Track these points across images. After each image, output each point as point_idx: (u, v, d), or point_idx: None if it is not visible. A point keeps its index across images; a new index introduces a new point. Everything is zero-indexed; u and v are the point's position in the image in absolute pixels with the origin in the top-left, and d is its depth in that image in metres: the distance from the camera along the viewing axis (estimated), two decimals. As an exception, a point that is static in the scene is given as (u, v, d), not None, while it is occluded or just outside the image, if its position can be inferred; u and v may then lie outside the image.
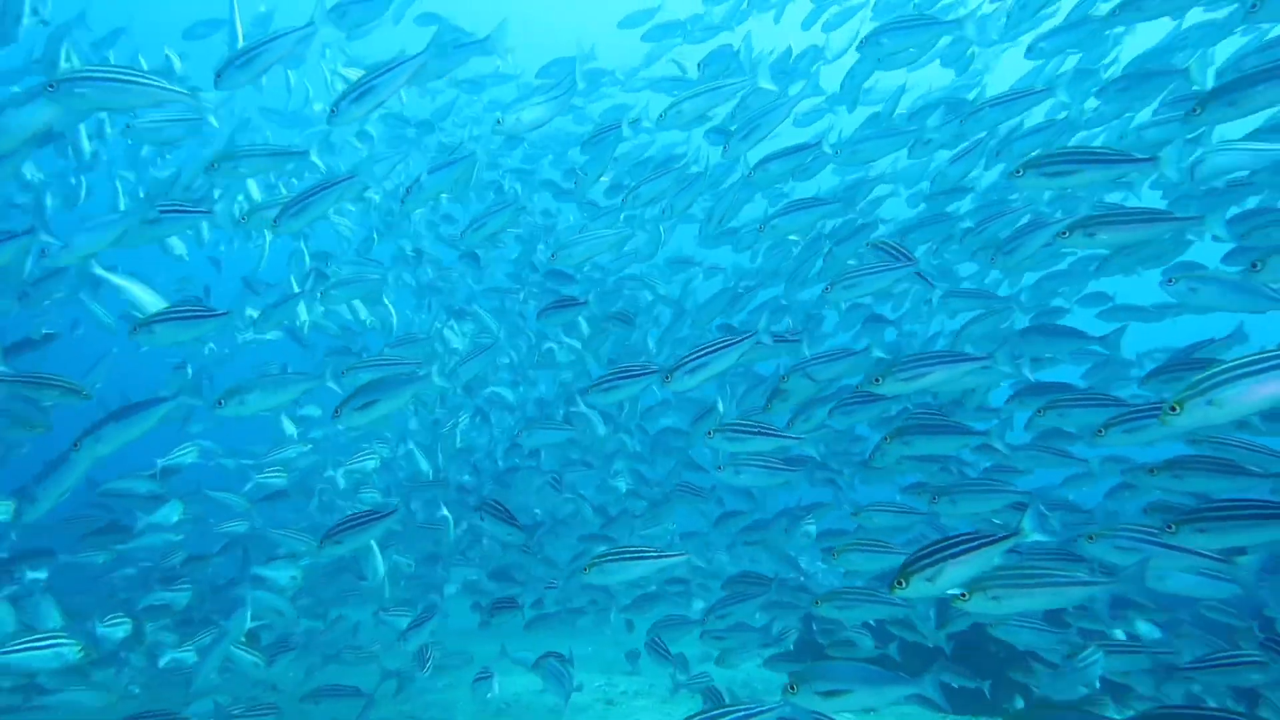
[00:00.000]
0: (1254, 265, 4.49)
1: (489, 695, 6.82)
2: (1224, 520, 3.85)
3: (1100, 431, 4.62)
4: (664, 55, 10.25)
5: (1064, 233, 4.69)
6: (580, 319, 7.22)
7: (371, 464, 8.42)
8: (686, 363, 4.67)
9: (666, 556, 4.80)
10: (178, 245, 8.38)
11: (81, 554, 7.45)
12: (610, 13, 9.78)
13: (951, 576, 3.79)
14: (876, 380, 4.93)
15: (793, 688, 3.98)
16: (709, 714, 3.81)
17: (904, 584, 3.79)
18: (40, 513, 5.01)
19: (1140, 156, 4.52)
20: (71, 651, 5.02)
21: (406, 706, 8.77)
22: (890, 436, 5.40)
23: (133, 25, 11.10)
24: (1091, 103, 6.13)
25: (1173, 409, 3.33)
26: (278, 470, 8.02)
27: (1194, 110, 4.32)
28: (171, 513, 7.33)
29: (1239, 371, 3.29)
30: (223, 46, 9.32)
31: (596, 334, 7.52)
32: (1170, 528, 3.90)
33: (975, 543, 3.84)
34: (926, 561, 3.79)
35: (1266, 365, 3.26)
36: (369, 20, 5.84)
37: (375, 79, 4.07)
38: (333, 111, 4.00)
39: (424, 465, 9.06)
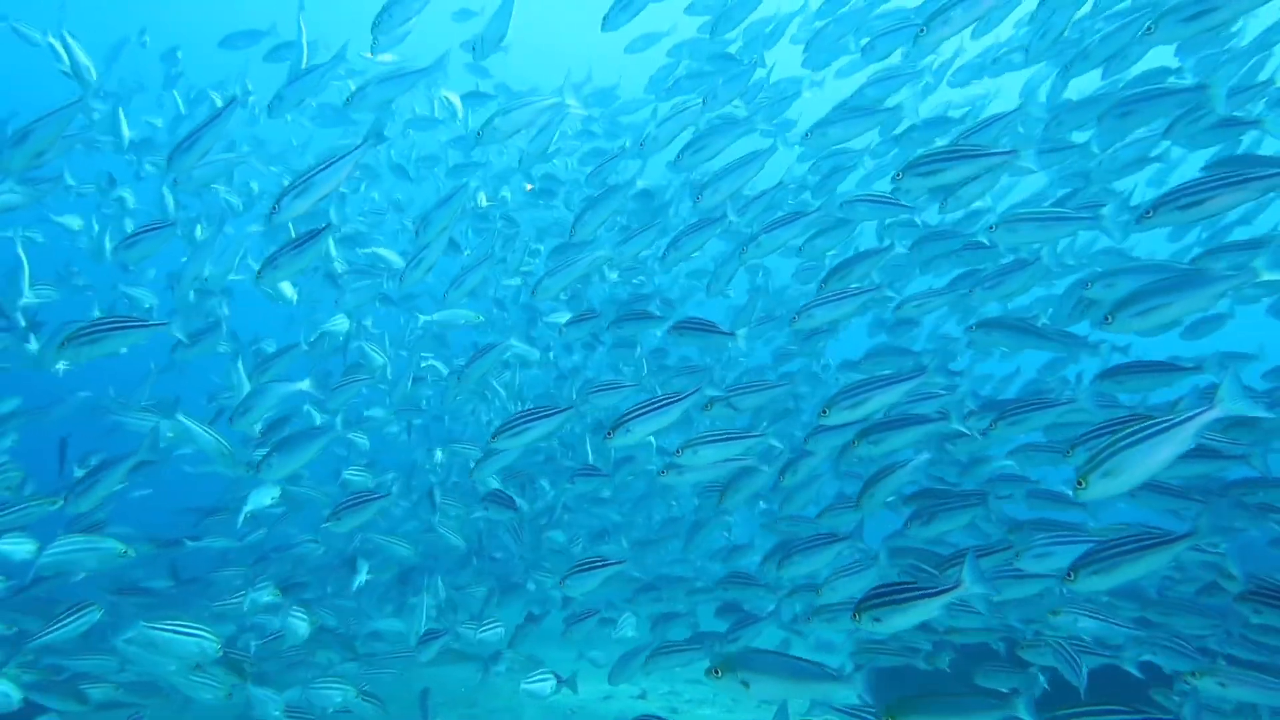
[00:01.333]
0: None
1: (546, 697, 7.35)
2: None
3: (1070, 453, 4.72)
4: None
5: (993, 226, 5.07)
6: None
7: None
8: (630, 419, 4.88)
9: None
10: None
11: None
12: (620, 35, 10.17)
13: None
14: (824, 412, 5.17)
15: (717, 672, 4.22)
16: None
17: None
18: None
19: (1004, 150, 4.88)
20: (212, 646, 5.71)
21: (474, 710, 9.63)
22: (857, 439, 5.49)
23: (165, 31, 12.12)
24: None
25: (1079, 483, 3.55)
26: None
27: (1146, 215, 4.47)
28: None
29: (1134, 438, 3.48)
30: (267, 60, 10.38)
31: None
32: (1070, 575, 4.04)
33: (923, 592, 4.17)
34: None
35: (1158, 430, 3.45)
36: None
37: (316, 175, 4.45)
38: (274, 209, 4.48)
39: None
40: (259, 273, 5.14)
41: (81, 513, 6.12)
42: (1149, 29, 4.37)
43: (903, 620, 4.14)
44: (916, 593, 4.12)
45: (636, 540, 10.15)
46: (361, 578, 8.31)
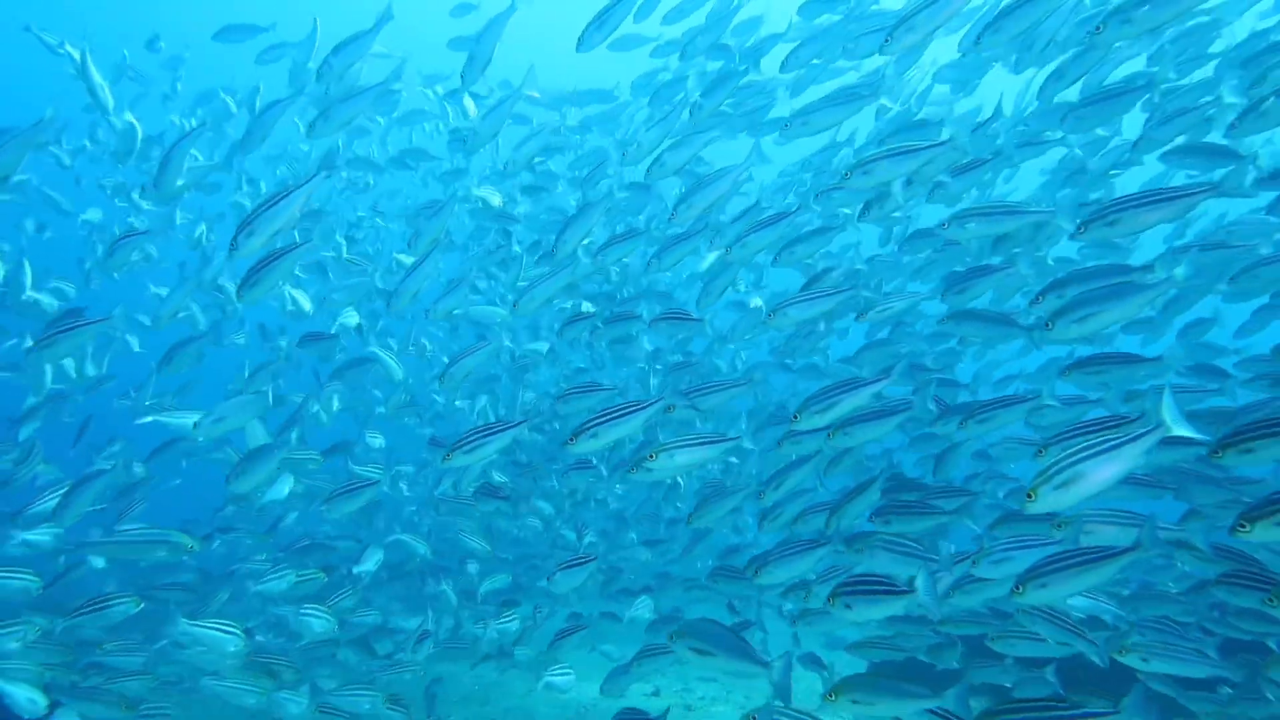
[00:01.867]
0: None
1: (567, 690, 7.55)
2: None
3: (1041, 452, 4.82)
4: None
5: (944, 224, 5.17)
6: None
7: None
8: (591, 426, 4.92)
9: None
10: None
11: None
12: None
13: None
14: (795, 418, 5.29)
15: (672, 638, 4.75)
16: None
17: None
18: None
19: (936, 141, 5.02)
20: (241, 642, 6.18)
21: (487, 708, 9.89)
22: (831, 433, 5.63)
23: (163, 26, 12.42)
24: None
25: (1029, 496, 3.71)
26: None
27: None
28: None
29: (1083, 455, 3.65)
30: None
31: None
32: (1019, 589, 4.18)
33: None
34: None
35: (1105, 449, 3.62)
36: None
37: (269, 209, 4.59)
38: (232, 247, 4.65)
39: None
40: (238, 291, 5.32)
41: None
42: (1098, 29, 4.37)
43: (871, 611, 4.55)
44: (885, 588, 4.49)
45: (646, 539, 10.33)
46: (369, 567, 8.53)
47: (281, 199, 4.67)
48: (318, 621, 7.30)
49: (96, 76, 8.48)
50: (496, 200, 9.36)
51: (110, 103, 8.61)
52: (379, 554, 8.69)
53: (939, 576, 4.46)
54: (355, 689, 6.75)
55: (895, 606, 4.48)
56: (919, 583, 4.34)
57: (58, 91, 9.89)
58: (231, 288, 8.51)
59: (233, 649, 6.26)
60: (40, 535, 6.93)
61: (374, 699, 6.64)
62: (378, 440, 9.80)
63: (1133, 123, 6.38)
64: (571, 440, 4.97)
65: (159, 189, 5.39)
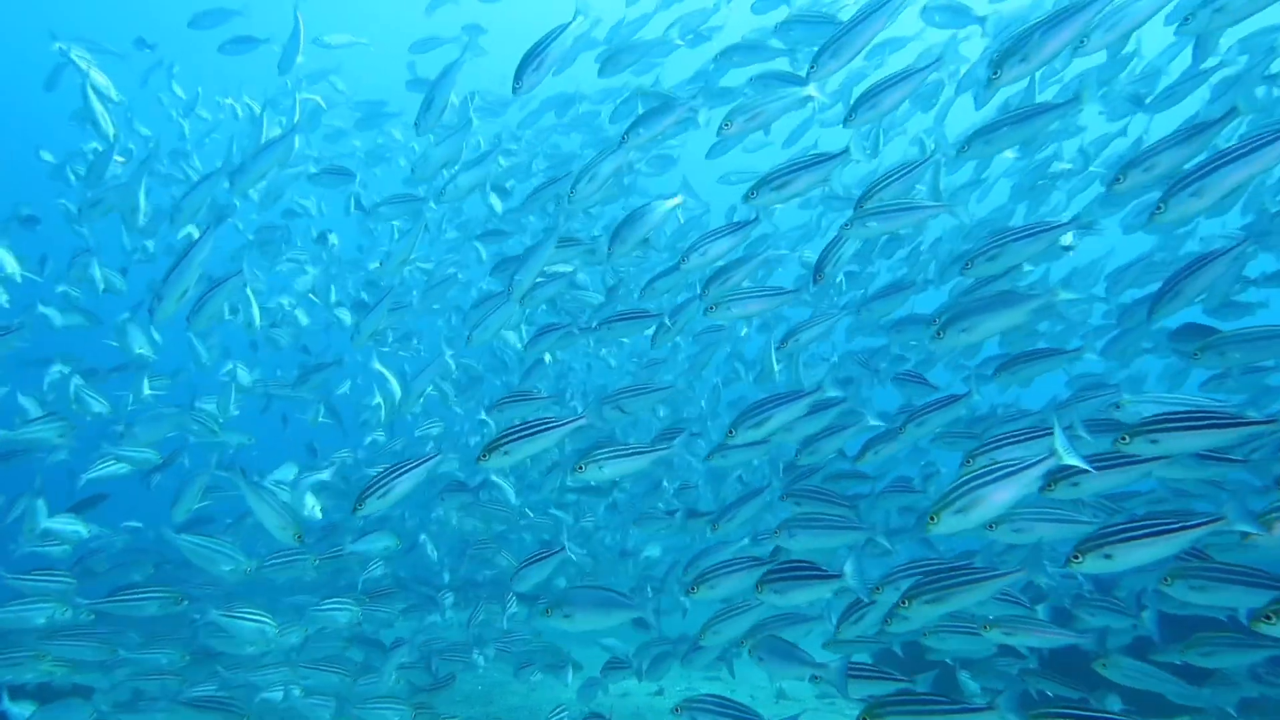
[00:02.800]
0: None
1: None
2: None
3: (969, 460, 4.89)
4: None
5: (847, 224, 5.35)
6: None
7: None
8: (507, 441, 5.02)
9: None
10: None
11: None
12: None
13: None
14: (731, 433, 5.39)
15: (548, 612, 5.18)
16: None
17: None
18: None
19: (835, 152, 5.19)
20: (271, 630, 6.60)
21: (491, 708, 10.21)
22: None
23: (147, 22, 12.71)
24: None
25: (931, 519, 3.99)
26: None
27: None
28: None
29: (980, 481, 3.91)
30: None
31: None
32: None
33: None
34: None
35: (1004, 473, 3.89)
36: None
37: (172, 275, 4.96)
38: (152, 311, 5.05)
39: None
40: (188, 319, 5.58)
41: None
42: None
43: (801, 595, 4.91)
44: (813, 574, 4.84)
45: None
46: (372, 572, 8.80)
47: (182, 262, 5.03)
48: (342, 614, 7.59)
49: (98, 105, 8.80)
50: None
51: (111, 132, 8.93)
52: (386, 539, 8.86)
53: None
54: (385, 703, 6.92)
55: (824, 590, 4.80)
56: (847, 567, 4.68)
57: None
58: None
59: (260, 636, 6.69)
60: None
61: (401, 714, 6.84)
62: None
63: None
64: (484, 456, 5.00)
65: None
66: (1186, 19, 4.32)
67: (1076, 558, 3.87)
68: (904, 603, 4.35)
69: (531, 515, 9.47)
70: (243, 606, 6.85)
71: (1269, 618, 3.66)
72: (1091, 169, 7.44)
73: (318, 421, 9.20)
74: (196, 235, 5.16)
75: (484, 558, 9.60)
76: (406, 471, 5.05)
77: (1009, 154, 7.25)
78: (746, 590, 5.18)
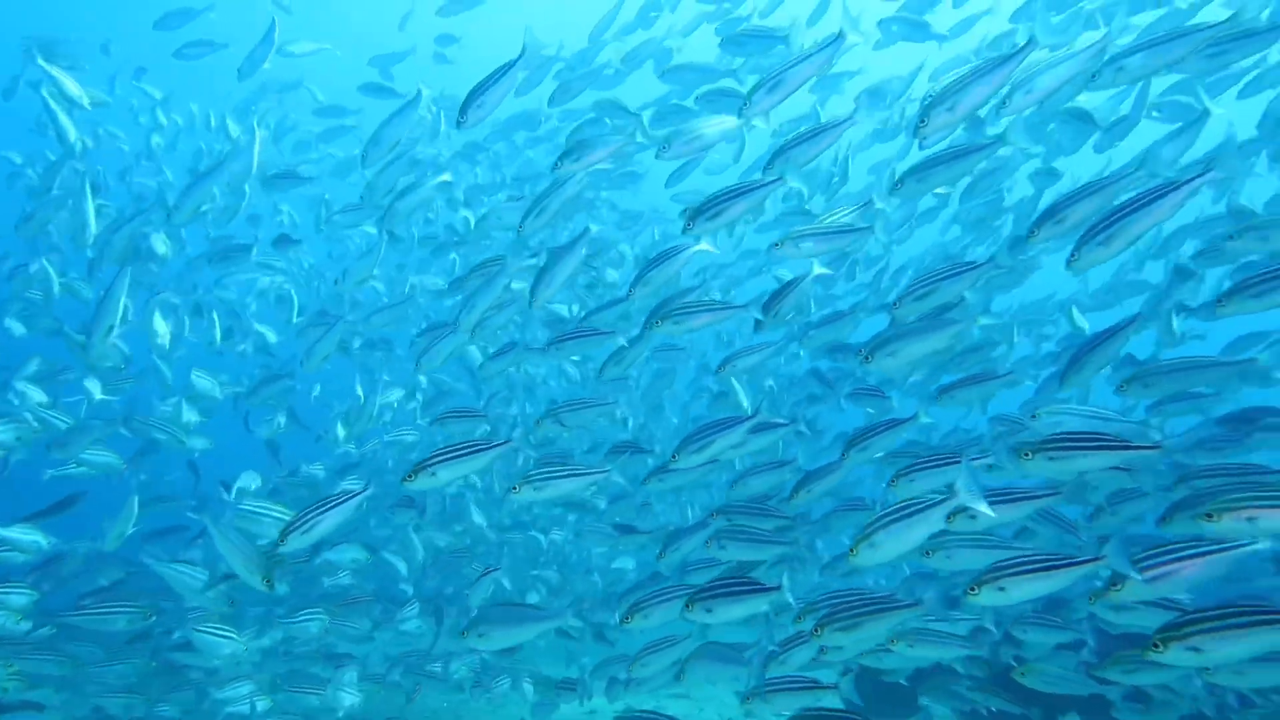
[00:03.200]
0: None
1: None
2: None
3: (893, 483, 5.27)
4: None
5: (777, 244, 5.62)
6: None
7: None
8: (434, 463, 5.05)
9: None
10: None
11: None
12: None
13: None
14: (675, 457, 5.63)
15: (464, 633, 5.37)
16: None
17: None
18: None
19: (769, 179, 5.42)
20: (240, 647, 6.65)
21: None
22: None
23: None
24: None
25: (851, 553, 4.28)
26: None
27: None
28: None
29: (890, 519, 4.23)
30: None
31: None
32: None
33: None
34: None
35: (910, 511, 4.21)
36: None
37: (98, 313, 5.30)
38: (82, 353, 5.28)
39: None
40: (85, 354, 5.78)
41: None
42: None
43: (733, 611, 5.02)
44: (746, 588, 4.99)
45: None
46: (339, 581, 8.91)
47: (103, 303, 5.37)
48: (314, 624, 7.71)
49: (62, 116, 8.89)
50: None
51: (76, 145, 9.01)
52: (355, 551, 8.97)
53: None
54: None
55: (758, 604, 4.95)
56: (785, 580, 4.87)
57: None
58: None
59: (229, 651, 6.74)
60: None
61: None
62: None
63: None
64: (410, 477, 5.04)
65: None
66: (1093, 76, 4.58)
67: (973, 590, 4.14)
68: (816, 630, 4.61)
69: (488, 533, 9.64)
70: (211, 621, 6.86)
71: (1158, 645, 3.84)
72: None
73: (279, 430, 9.29)
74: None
75: (454, 570, 9.80)
76: (332, 508, 5.05)
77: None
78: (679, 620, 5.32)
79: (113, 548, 6.91)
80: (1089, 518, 5.70)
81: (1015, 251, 5.06)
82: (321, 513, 5.04)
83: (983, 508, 4.08)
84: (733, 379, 8.27)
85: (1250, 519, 3.84)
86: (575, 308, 9.49)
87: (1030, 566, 4.09)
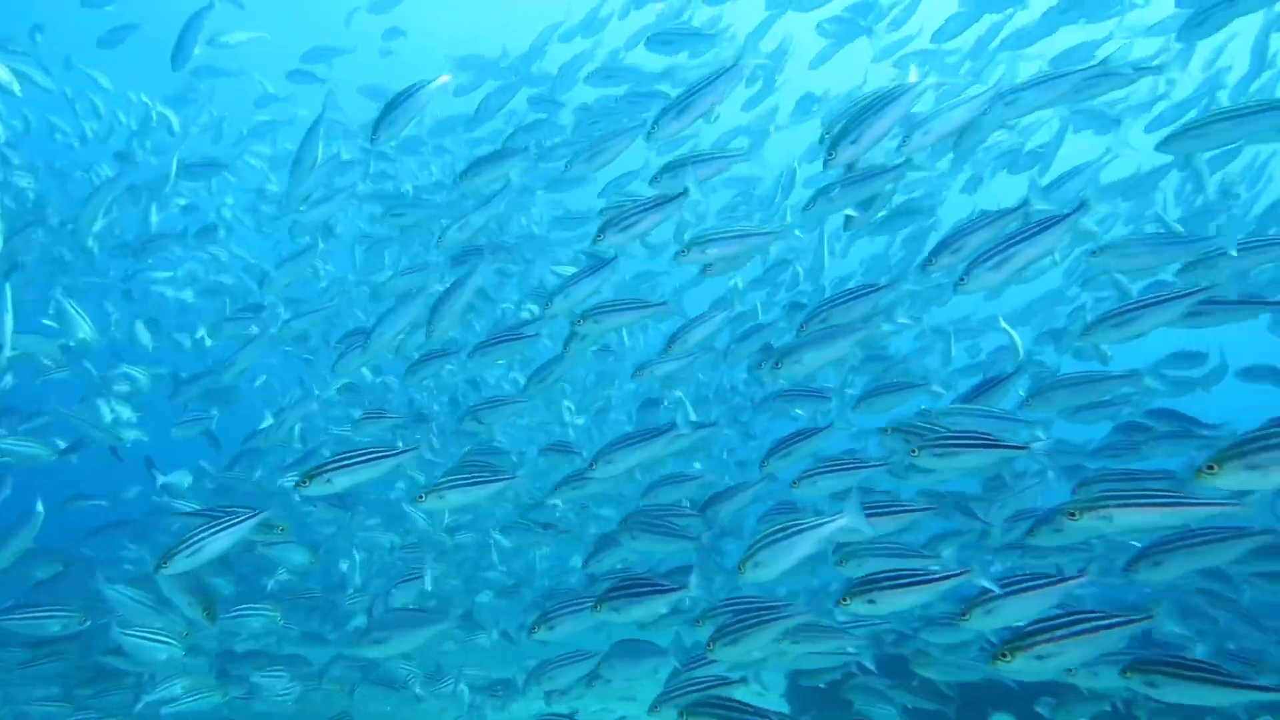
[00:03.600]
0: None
1: None
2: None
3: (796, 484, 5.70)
4: None
5: (683, 250, 5.76)
6: None
7: None
8: (330, 469, 5.04)
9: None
10: None
11: None
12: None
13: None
14: (592, 465, 5.84)
15: (360, 642, 5.65)
16: None
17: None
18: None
19: (675, 193, 5.61)
20: (176, 651, 6.39)
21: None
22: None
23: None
24: None
25: (740, 569, 4.50)
26: None
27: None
28: None
29: (773, 538, 4.45)
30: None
31: None
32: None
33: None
34: None
35: (792, 531, 4.44)
36: None
37: None
38: None
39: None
40: None
41: None
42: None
43: (638, 611, 5.17)
44: (650, 588, 5.14)
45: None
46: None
47: None
48: (257, 619, 7.54)
49: None
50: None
51: None
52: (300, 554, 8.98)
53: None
54: None
55: (661, 604, 5.09)
56: (692, 578, 5.00)
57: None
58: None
59: (164, 657, 6.58)
60: None
61: None
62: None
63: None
64: (304, 482, 4.96)
65: None
66: (984, 112, 4.92)
67: (845, 601, 4.46)
68: (710, 646, 4.84)
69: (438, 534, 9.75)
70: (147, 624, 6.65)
71: (1005, 655, 4.14)
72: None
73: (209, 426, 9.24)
74: None
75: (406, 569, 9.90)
76: (223, 530, 4.84)
77: None
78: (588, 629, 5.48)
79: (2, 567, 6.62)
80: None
81: (921, 276, 5.31)
82: (211, 535, 4.82)
83: (862, 526, 4.38)
84: (675, 389, 8.57)
85: (1105, 517, 4.24)
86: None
87: (902, 581, 4.40)
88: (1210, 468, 3.71)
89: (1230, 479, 3.68)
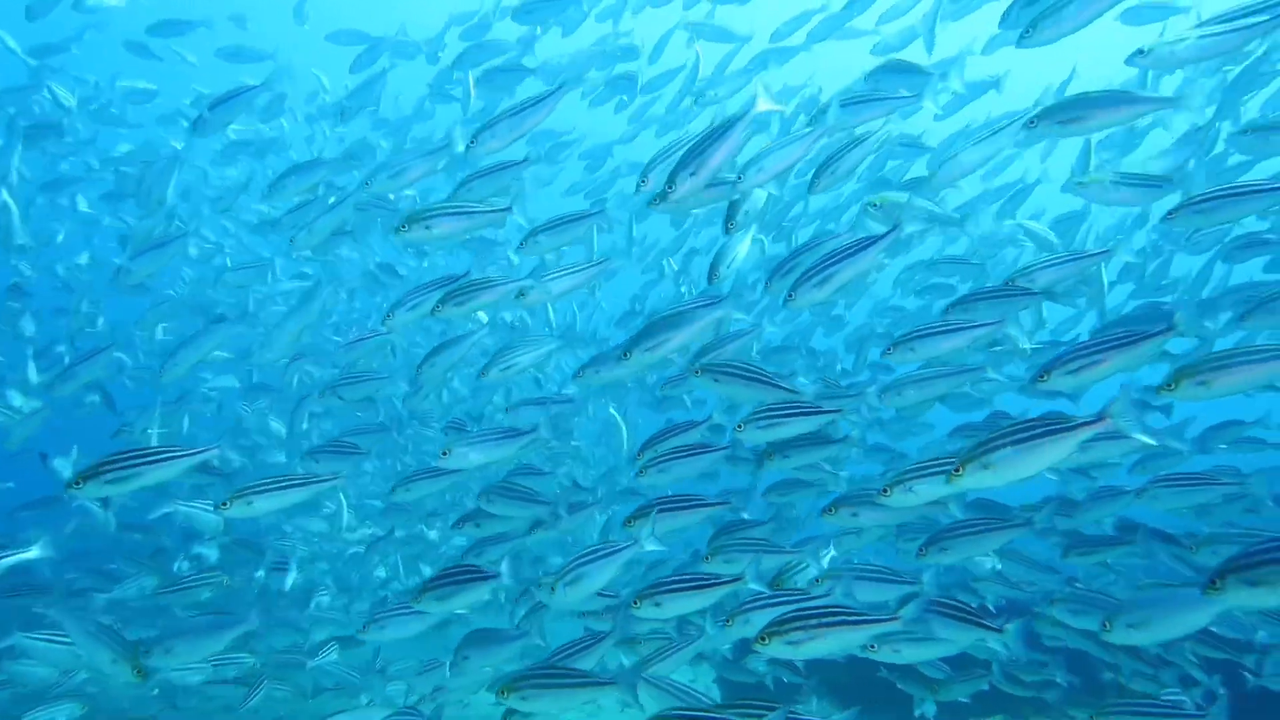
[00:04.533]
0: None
1: None
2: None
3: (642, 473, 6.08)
4: None
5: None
6: None
7: None
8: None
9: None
10: None
11: None
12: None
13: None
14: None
15: (147, 655, 5.41)
16: None
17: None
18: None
19: (592, 210, 6.22)
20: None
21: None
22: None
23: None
24: None
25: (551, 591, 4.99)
26: None
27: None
28: None
29: (585, 560, 4.95)
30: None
31: None
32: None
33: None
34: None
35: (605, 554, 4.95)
36: None
37: None
38: None
39: None
40: None
41: None
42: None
43: (459, 600, 5.47)
44: (471, 576, 5.48)
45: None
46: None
47: None
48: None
49: None
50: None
51: None
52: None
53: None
54: None
55: (482, 591, 5.43)
56: (504, 566, 5.42)
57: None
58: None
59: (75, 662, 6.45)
60: None
61: None
62: None
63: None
64: (77, 484, 4.89)
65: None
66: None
67: (636, 604, 4.82)
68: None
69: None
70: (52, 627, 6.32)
71: (764, 639, 4.41)
72: None
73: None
74: None
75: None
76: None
77: None
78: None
79: None
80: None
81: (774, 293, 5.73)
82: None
83: (651, 546, 4.90)
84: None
85: (910, 489, 4.70)
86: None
87: (685, 585, 4.79)
88: (957, 470, 4.18)
89: (971, 480, 4.13)
